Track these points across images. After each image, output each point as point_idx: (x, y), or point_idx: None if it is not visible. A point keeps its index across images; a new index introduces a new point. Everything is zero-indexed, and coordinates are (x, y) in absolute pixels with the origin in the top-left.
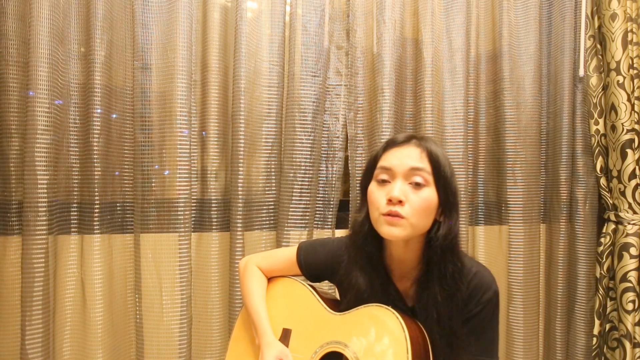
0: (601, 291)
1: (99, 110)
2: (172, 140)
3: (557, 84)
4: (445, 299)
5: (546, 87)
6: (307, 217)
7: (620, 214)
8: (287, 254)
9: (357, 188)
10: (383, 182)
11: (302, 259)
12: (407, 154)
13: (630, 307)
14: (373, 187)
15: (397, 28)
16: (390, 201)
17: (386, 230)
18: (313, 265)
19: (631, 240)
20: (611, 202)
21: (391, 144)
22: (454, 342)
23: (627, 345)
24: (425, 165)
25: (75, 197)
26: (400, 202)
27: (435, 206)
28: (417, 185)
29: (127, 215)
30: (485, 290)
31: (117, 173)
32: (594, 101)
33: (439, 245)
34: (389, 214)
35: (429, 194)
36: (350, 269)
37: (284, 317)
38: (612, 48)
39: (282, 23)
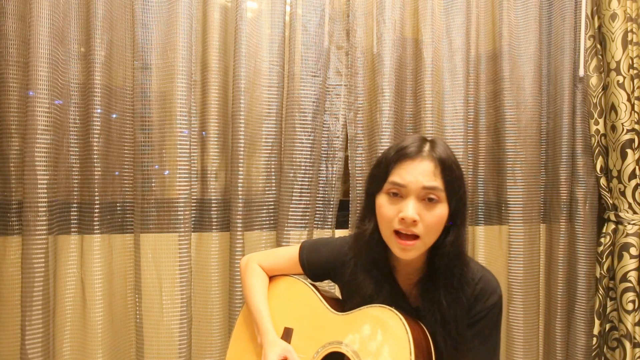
0: (601, 291)
1: (99, 110)
2: (172, 140)
3: (557, 84)
4: (450, 302)
5: (546, 87)
6: (307, 217)
7: (620, 214)
8: (289, 253)
9: (358, 188)
10: (395, 195)
11: (305, 258)
12: (421, 170)
13: (630, 307)
14: (384, 200)
15: (397, 28)
16: (403, 220)
17: (400, 254)
18: (316, 265)
19: (631, 240)
20: (611, 202)
21: (403, 156)
22: (459, 344)
23: (627, 345)
24: (439, 183)
25: (75, 197)
26: (414, 221)
27: (446, 218)
28: (430, 201)
29: (127, 215)
30: (490, 295)
31: (117, 173)
32: (594, 101)
33: (446, 252)
34: (401, 235)
35: (442, 210)
36: (356, 270)
37: (286, 316)
38: (612, 48)
39: (282, 23)
